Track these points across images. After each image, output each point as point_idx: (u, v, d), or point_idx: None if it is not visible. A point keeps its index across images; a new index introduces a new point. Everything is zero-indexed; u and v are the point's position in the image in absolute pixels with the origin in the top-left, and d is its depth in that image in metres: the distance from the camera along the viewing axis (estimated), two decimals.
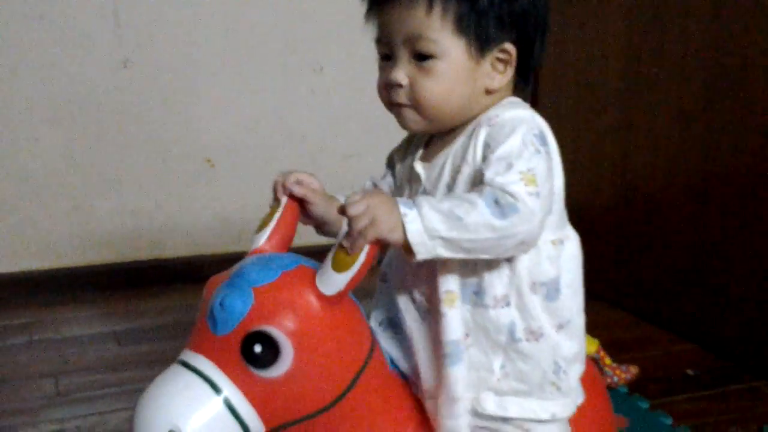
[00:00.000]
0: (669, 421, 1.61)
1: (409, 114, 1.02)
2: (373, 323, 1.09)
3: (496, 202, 0.91)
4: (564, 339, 1.02)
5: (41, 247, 2.32)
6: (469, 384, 1.01)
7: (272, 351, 0.90)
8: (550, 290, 1.01)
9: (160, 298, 2.32)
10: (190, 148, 2.38)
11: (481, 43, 0.99)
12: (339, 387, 0.95)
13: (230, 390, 0.90)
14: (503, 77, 1.02)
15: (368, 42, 2.58)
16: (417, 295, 1.04)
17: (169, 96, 2.33)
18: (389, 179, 1.17)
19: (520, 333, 1.00)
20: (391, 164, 1.18)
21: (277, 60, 2.41)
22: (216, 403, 0.90)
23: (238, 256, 2.29)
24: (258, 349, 0.90)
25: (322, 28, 2.43)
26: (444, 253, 0.92)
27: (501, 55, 1.01)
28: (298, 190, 1.06)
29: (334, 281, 0.92)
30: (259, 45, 2.39)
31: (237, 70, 2.38)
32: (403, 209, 0.91)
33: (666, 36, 2.02)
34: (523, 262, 0.99)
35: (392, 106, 1.04)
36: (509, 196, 0.91)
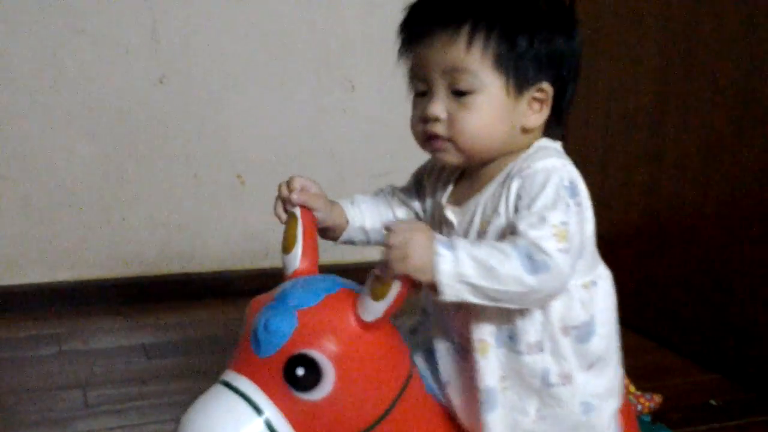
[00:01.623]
0: None
1: (447, 148, 1.03)
2: (416, 352, 1.11)
3: (530, 257, 0.92)
4: (593, 377, 1.03)
5: (72, 258, 2.34)
6: (505, 426, 1.02)
7: (314, 374, 0.92)
8: (582, 333, 1.02)
9: (189, 313, 2.33)
10: (221, 164, 2.40)
11: (519, 81, 1.01)
12: (378, 410, 0.96)
13: (272, 412, 0.92)
14: (539, 116, 1.04)
15: (399, 61, 2.60)
16: (454, 339, 1.05)
17: (202, 112, 2.36)
18: (413, 201, 1.18)
19: (553, 378, 1.01)
20: (419, 185, 1.19)
21: (309, 78, 2.43)
22: (258, 424, 0.91)
23: (265, 272, 2.32)
24: (300, 372, 0.91)
25: (355, 46, 2.45)
26: (469, 298, 0.93)
27: (538, 95, 1.03)
28: (306, 200, 1.08)
29: (372, 308, 0.94)
30: (292, 63, 2.41)
31: (269, 87, 2.40)
32: (439, 248, 0.92)
33: (696, 65, 2.03)
34: (556, 307, 1.00)
35: (428, 141, 1.04)
36: (542, 252, 0.92)
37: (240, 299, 2.30)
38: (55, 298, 2.30)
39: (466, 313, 1.01)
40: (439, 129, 1.02)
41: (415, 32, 1.04)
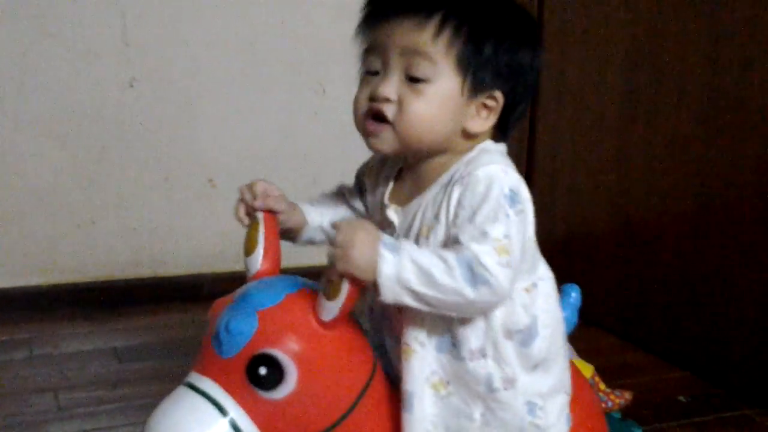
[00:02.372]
0: None
1: (387, 134, 1.01)
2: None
3: (471, 270, 0.93)
4: (537, 378, 1.04)
5: (43, 262, 2.33)
6: (450, 430, 1.02)
7: (277, 373, 0.92)
8: (525, 336, 1.02)
9: (160, 316, 2.33)
10: (192, 168, 2.40)
11: (475, 84, 1.00)
12: (342, 407, 0.97)
13: (236, 412, 0.92)
14: (484, 123, 1.03)
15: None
16: (395, 337, 1.06)
17: (173, 116, 2.36)
18: (356, 201, 1.18)
19: (497, 383, 1.01)
20: (359, 185, 1.19)
21: (281, 81, 2.44)
22: (222, 425, 0.92)
23: (237, 275, 2.31)
24: (263, 371, 0.92)
25: (325, 50, 2.45)
26: (409, 302, 0.94)
27: (488, 102, 1.02)
28: (268, 204, 1.08)
29: (328, 308, 0.95)
30: (263, 66, 2.41)
31: (240, 91, 2.40)
32: (382, 251, 0.93)
33: (662, 68, 2.05)
34: (497, 313, 1.00)
35: (366, 121, 1.03)
36: (483, 267, 0.93)
37: (211, 302, 2.32)
38: (26, 302, 2.29)
39: (402, 316, 1.01)
40: (386, 110, 1.00)
41: (384, 8, 1.02)
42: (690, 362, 2.03)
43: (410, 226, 1.04)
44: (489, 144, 1.05)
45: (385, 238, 0.95)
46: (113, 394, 1.85)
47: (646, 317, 2.16)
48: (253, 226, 1.08)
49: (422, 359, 1.01)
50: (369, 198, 1.15)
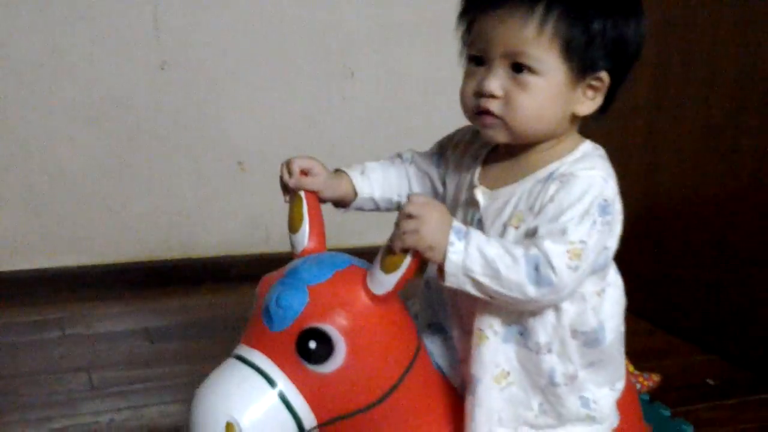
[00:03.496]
0: (690, 428, 1.63)
1: (497, 125, 1.00)
2: (421, 325, 1.12)
3: (537, 269, 0.93)
4: (593, 374, 1.05)
5: (75, 243, 2.35)
6: (507, 418, 1.03)
7: (326, 347, 0.94)
8: (590, 339, 1.02)
9: (191, 297, 2.35)
10: (222, 151, 2.42)
11: (584, 68, 0.99)
12: (388, 383, 0.98)
13: (285, 384, 0.94)
14: (592, 104, 1.03)
15: (399, 48, 2.62)
16: (463, 320, 1.06)
17: (203, 99, 2.37)
18: (432, 170, 1.17)
19: (559, 378, 1.02)
20: (441, 155, 1.17)
21: (309, 66, 2.44)
22: (271, 396, 0.93)
23: (266, 258, 2.35)
24: (312, 345, 0.93)
25: (354, 34, 2.47)
26: (471, 290, 0.95)
27: (595, 83, 1.01)
28: (303, 184, 1.09)
29: (382, 281, 0.96)
30: (291, 51, 2.42)
31: (269, 75, 2.41)
32: (452, 237, 0.93)
33: (692, 50, 2.05)
34: (569, 311, 1.01)
35: (477, 115, 1.02)
36: (550, 267, 0.93)
37: (240, 284, 2.37)
38: (58, 283, 2.31)
39: (477, 302, 1.01)
40: (494, 106, 0.99)
41: (484, 1, 1.00)
42: (718, 346, 2.03)
43: (499, 213, 1.03)
44: (589, 146, 1.05)
45: (456, 223, 0.95)
46: (145, 373, 1.88)
47: (674, 301, 2.17)
48: (296, 203, 1.09)
49: (494, 348, 1.02)
50: (450, 172, 1.14)
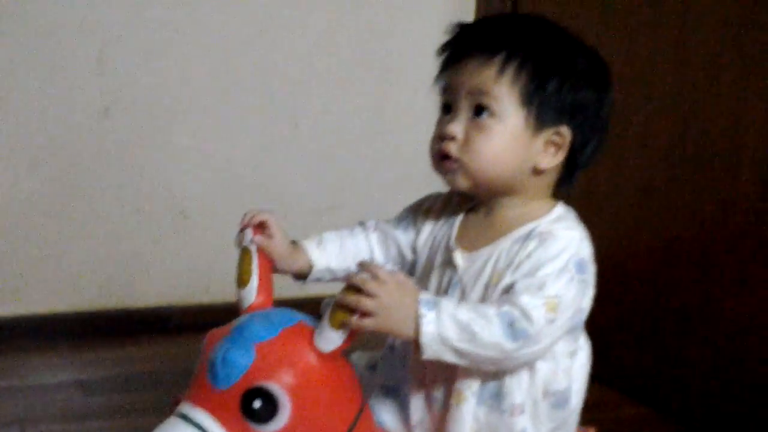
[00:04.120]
0: None
1: (456, 170, 1.04)
2: (375, 388, 1.12)
3: (511, 324, 0.95)
4: None
5: (9, 292, 2.29)
6: None
7: (271, 407, 0.93)
8: (559, 400, 1.04)
9: (128, 348, 2.30)
10: (164, 199, 2.38)
11: (539, 119, 1.03)
12: None
13: None
14: (553, 159, 1.05)
15: (344, 97, 2.63)
16: (436, 392, 1.07)
17: (147, 146, 2.34)
18: (401, 235, 1.17)
19: None
20: (411, 222, 1.17)
21: (254, 115, 2.43)
22: None
23: (206, 308, 2.31)
24: (257, 404, 0.93)
25: (298, 85, 2.47)
26: (450, 358, 0.96)
27: (555, 138, 1.04)
28: (265, 246, 1.07)
29: (331, 338, 0.96)
30: (236, 99, 2.41)
31: (214, 123, 2.40)
32: (422, 310, 0.94)
33: (629, 101, 2.09)
34: (542, 371, 1.03)
35: (440, 161, 1.05)
36: (525, 320, 0.95)
37: (180, 334, 2.31)
38: None
39: (452, 368, 1.02)
40: (453, 149, 1.03)
41: (453, 54, 1.06)
42: (654, 399, 2.06)
43: (480, 274, 1.05)
44: (562, 209, 1.09)
45: (423, 295, 0.97)
46: (80, 427, 1.83)
47: (609, 354, 2.18)
48: (245, 257, 1.07)
49: (469, 409, 1.03)
50: (423, 237, 1.15)
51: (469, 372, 1.02)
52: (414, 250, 1.16)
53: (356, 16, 2.50)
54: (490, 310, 0.95)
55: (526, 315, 0.95)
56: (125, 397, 1.98)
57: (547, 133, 1.04)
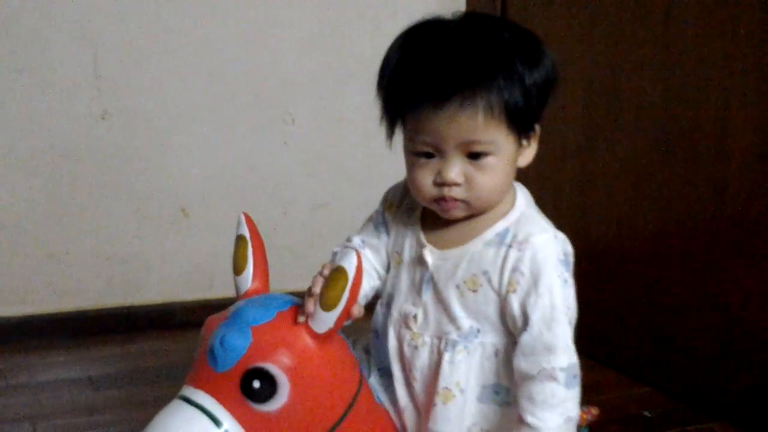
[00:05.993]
0: None
1: (459, 207, 1.04)
2: (373, 368, 1.16)
3: (574, 377, 1.02)
4: None
5: (16, 293, 2.33)
6: None
7: (269, 386, 0.95)
8: None
9: (134, 344, 2.34)
10: (165, 198, 2.42)
11: (525, 131, 1.04)
12: (332, 419, 1.00)
13: (230, 423, 0.95)
14: (531, 151, 1.08)
15: (339, 94, 2.65)
16: (417, 389, 1.10)
17: (145, 147, 2.38)
18: (383, 241, 1.16)
19: None
20: (382, 222, 1.17)
21: (249, 112, 2.47)
22: None
23: (209, 304, 2.34)
24: (256, 384, 0.95)
25: (293, 82, 2.50)
26: None
27: (531, 134, 1.07)
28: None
29: (323, 319, 0.98)
30: (233, 98, 2.45)
31: (210, 122, 2.43)
32: None
33: (621, 93, 2.12)
34: None
35: (440, 204, 1.04)
36: (570, 370, 1.02)
37: (183, 331, 2.35)
38: (1, 334, 2.29)
39: (441, 360, 1.07)
40: (457, 193, 1.02)
41: (424, 98, 0.99)
42: (654, 378, 2.08)
43: (451, 275, 1.07)
44: (522, 198, 1.10)
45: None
46: (89, 420, 1.87)
47: (610, 336, 2.22)
48: (240, 246, 1.10)
49: (462, 407, 1.06)
50: (392, 234, 1.16)
51: (457, 370, 1.06)
52: (386, 249, 1.17)
53: (349, 13, 2.54)
54: (552, 389, 1.01)
55: (571, 369, 1.02)
56: (132, 391, 2.03)
57: (528, 136, 1.06)
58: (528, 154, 1.08)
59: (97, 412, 1.92)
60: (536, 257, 1.02)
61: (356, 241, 1.17)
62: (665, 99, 2.00)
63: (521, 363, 1.02)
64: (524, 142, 1.06)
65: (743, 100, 1.81)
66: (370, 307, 1.13)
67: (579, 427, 1.79)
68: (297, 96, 2.50)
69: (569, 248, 1.07)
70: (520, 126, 1.02)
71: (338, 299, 0.97)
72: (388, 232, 1.16)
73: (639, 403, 2.00)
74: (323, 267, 1.04)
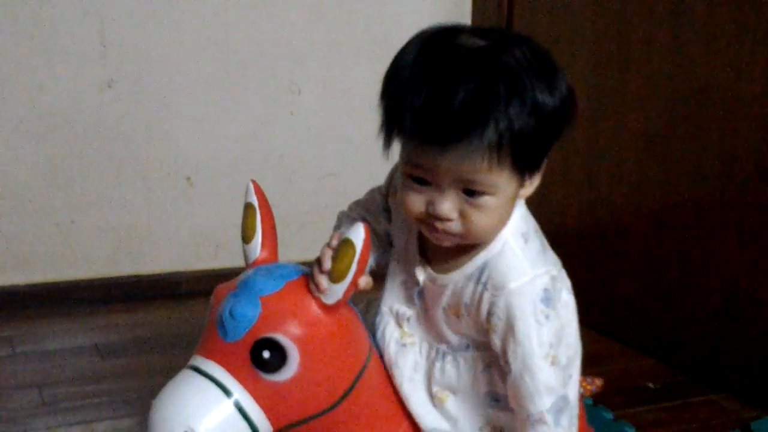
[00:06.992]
0: (632, 430, 1.68)
1: (450, 239, 1.00)
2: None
3: (559, 410, 1.01)
4: None
5: (23, 262, 2.34)
6: None
7: (280, 356, 0.96)
8: None
9: (140, 313, 2.35)
10: (170, 167, 2.42)
11: (531, 172, 0.99)
12: (341, 388, 1.01)
13: (240, 393, 0.96)
14: (532, 186, 1.03)
15: (346, 65, 2.64)
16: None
17: (151, 115, 2.37)
18: (382, 219, 1.16)
19: None
20: (387, 201, 1.16)
21: (256, 82, 2.46)
22: (227, 405, 0.95)
23: (215, 272, 2.34)
24: (266, 354, 0.95)
25: (300, 51, 2.49)
26: None
27: (537, 171, 1.02)
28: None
29: (332, 290, 0.98)
30: (239, 67, 2.44)
31: (216, 91, 2.42)
32: None
33: (629, 63, 2.12)
34: None
35: (431, 232, 1.00)
36: (555, 390, 1.01)
37: (190, 300, 2.36)
38: (6, 301, 2.30)
39: (431, 365, 1.09)
40: (449, 228, 0.97)
41: (428, 134, 0.93)
42: (658, 350, 2.09)
43: (438, 296, 1.07)
44: (510, 224, 1.03)
45: None
46: (96, 388, 1.89)
47: (615, 307, 2.23)
48: (249, 214, 1.08)
49: (458, 407, 1.09)
50: (395, 220, 1.14)
51: (448, 374, 1.08)
52: (389, 236, 1.16)
53: None
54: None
55: (555, 406, 1.01)
56: (139, 360, 2.05)
57: (532, 174, 1.01)
58: (530, 188, 1.03)
59: (103, 380, 1.93)
60: (510, 306, 1.00)
61: (353, 212, 1.19)
62: (675, 66, 1.99)
63: (511, 401, 1.04)
64: (527, 182, 1.01)
65: (754, 72, 1.80)
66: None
67: (583, 397, 1.81)
68: (304, 66, 2.50)
69: (549, 283, 1.03)
70: (525, 165, 0.96)
71: (346, 272, 0.97)
72: (389, 220, 1.16)
73: (643, 375, 2.01)
74: (331, 237, 1.03)
